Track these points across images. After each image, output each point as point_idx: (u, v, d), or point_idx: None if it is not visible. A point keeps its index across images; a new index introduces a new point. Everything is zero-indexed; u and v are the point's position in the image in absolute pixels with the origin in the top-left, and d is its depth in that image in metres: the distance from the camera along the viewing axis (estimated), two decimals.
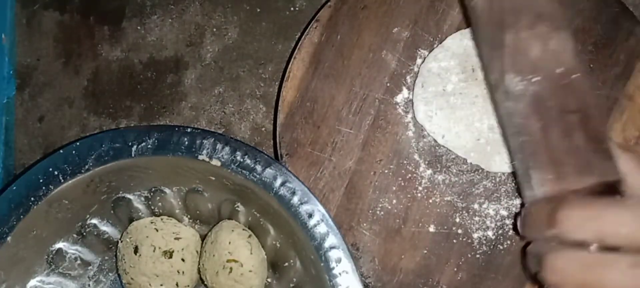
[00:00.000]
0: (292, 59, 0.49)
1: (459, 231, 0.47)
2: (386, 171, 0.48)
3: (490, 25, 0.44)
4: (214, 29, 0.56)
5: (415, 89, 0.49)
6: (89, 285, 0.49)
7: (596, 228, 0.33)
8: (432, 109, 0.48)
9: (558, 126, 0.39)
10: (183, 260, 0.45)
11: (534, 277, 0.38)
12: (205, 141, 0.42)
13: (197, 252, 0.47)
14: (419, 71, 0.49)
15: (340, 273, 0.40)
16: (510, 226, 0.47)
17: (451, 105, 0.48)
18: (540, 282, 0.36)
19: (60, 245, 0.46)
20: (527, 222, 0.39)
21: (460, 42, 0.49)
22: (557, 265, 0.34)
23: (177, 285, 0.46)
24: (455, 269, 0.46)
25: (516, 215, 0.47)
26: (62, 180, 0.42)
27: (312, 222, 0.41)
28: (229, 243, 0.44)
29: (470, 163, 0.48)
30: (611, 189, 0.37)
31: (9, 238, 0.42)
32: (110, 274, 0.49)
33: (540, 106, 0.40)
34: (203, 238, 0.47)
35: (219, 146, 0.42)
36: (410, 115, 0.48)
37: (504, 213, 0.47)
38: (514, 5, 0.42)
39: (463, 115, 0.48)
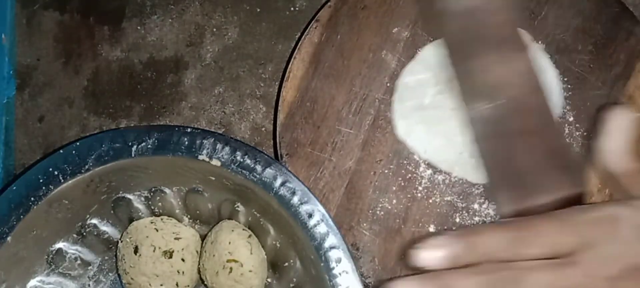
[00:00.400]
0: (292, 59, 0.49)
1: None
2: (386, 171, 0.48)
3: (451, 49, 0.45)
4: (214, 29, 0.56)
5: (393, 105, 0.48)
6: (89, 285, 0.49)
7: None
8: (411, 123, 0.48)
9: (517, 148, 0.40)
10: (183, 260, 0.45)
11: None
12: (205, 141, 0.42)
13: (197, 252, 0.47)
14: (395, 86, 0.49)
15: (340, 273, 0.40)
16: None
17: (430, 119, 0.48)
18: None
19: (60, 245, 0.46)
20: None
21: (435, 53, 0.48)
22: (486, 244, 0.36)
23: (177, 285, 0.46)
24: None
25: None
26: (62, 180, 0.43)
27: (312, 222, 0.41)
28: (229, 243, 0.44)
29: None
30: (576, 201, 0.38)
31: (9, 238, 0.42)
32: (110, 274, 0.49)
33: (498, 129, 0.41)
34: (203, 238, 0.47)
35: (219, 146, 0.42)
36: None
37: None
38: (469, 31, 0.43)
39: (442, 129, 0.48)
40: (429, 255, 0.35)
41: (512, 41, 0.42)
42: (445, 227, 0.47)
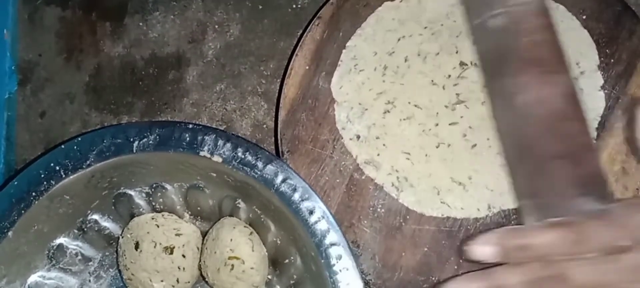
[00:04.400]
0: (294, 56, 0.49)
1: (460, 229, 0.47)
2: None
3: (486, 65, 0.46)
4: (216, 26, 0.56)
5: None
6: (89, 281, 0.49)
7: None
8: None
9: (546, 170, 0.41)
10: (184, 256, 0.45)
11: None
12: (206, 137, 0.42)
13: (198, 248, 0.47)
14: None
15: (340, 270, 0.40)
16: (513, 225, 0.47)
17: None
18: None
19: (61, 240, 0.46)
20: None
21: None
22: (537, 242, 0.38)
23: (177, 281, 0.46)
24: (456, 267, 0.46)
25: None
26: (64, 176, 0.43)
27: (312, 219, 0.41)
28: (231, 240, 0.44)
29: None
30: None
31: (10, 233, 0.42)
32: (111, 270, 0.49)
33: (527, 149, 0.42)
34: (204, 234, 0.47)
35: (220, 142, 0.42)
36: None
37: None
38: (508, 50, 0.43)
39: None
40: (482, 250, 0.38)
41: (549, 62, 0.42)
42: (446, 225, 0.47)
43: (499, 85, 0.44)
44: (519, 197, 0.43)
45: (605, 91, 0.48)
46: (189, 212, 0.48)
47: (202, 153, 0.42)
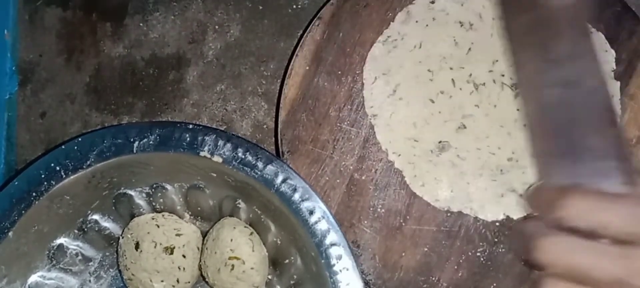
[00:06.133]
0: (294, 56, 0.49)
1: (460, 229, 0.47)
2: (387, 169, 0.48)
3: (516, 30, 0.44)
4: (216, 26, 0.56)
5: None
6: (89, 281, 0.49)
7: (598, 220, 0.35)
8: None
9: (582, 129, 0.39)
10: (184, 256, 0.45)
11: (521, 256, 0.39)
12: (206, 138, 0.42)
13: (198, 248, 0.47)
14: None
15: (340, 270, 0.40)
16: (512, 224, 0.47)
17: None
18: (527, 261, 0.36)
19: (61, 240, 0.46)
20: (534, 197, 0.40)
21: None
22: (551, 247, 0.35)
23: (177, 281, 0.46)
24: (456, 267, 0.46)
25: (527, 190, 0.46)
26: (64, 176, 0.43)
27: (313, 219, 0.41)
28: (231, 240, 0.44)
29: None
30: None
31: (10, 233, 0.42)
32: (111, 270, 0.49)
33: (568, 109, 0.40)
34: (204, 234, 0.47)
35: (220, 143, 0.42)
36: None
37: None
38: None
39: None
40: (572, 209, 0.35)
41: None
42: (446, 225, 0.47)
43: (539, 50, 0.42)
44: (542, 154, 0.42)
45: None
46: (189, 212, 0.48)
47: (202, 154, 0.42)
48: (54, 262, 0.46)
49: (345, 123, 0.48)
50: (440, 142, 0.47)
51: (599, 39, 0.48)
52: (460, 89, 0.48)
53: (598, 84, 0.40)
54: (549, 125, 0.42)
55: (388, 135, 0.48)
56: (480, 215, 0.46)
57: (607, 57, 0.48)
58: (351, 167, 0.48)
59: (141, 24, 0.56)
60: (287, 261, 0.45)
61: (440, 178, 0.47)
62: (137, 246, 0.45)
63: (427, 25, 0.49)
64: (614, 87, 0.48)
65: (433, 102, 0.48)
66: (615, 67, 0.48)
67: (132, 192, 0.46)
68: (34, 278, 0.45)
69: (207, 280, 0.46)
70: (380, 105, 0.48)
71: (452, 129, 0.47)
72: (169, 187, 0.46)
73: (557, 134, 0.41)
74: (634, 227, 0.34)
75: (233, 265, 0.44)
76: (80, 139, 0.43)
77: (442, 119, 0.47)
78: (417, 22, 0.49)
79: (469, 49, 0.48)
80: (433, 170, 0.47)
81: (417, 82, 0.48)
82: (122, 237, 0.47)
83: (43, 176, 0.42)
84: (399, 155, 0.47)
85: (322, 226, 0.41)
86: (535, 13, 0.43)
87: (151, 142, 0.43)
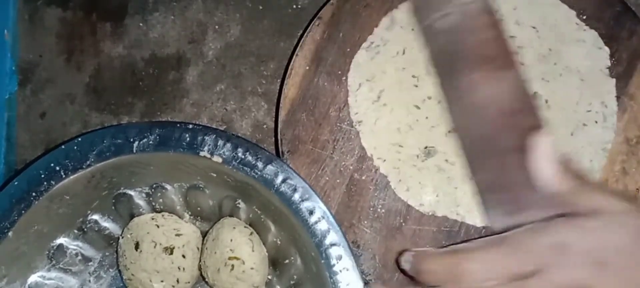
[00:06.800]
0: (294, 56, 0.49)
1: (460, 230, 0.47)
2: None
3: (438, 65, 0.47)
4: (216, 26, 0.56)
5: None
6: (89, 281, 0.49)
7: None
8: None
9: (509, 164, 0.42)
10: (184, 256, 0.45)
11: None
12: (206, 137, 0.42)
13: (198, 248, 0.47)
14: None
15: (340, 271, 0.40)
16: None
17: None
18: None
19: (61, 240, 0.46)
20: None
21: None
22: (430, 268, 0.40)
23: (177, 281, 0.46)
24: None
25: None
26: (64, 176, 0.43)
27: (313, 219, 0.41)
28: (231, 240, 0.44)
29: None
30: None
31: (10, 234, 0.42)
32: (111, 270, 0.49)
33: (483, 146, 0.43)
34: (204, 235, 0.47)
35: (220, 143, 0.42)
36: None
37: None
38: (458, 50, 0.44)
39: None
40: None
41: (497, 59, 0.43)
42: (446, 226, 0.47)
43: (451, 85, 0.45)
44: (481, 192, 0.45)
45: None
46: (189, 212, 0.48)
47: (202, 154, 0.42)
48: (54, 262, 0.46)
49: (345, 123, 0.48)
50: (426, 147, 0.47)
51: (592, 37, 0.48)
52: None
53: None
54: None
55: (373, 141, 0.48)
56: (468, 220, 0.46)
57: (601, 54, 0.48)
58: (351, 167, 0.48)
59: (141, 24, 0.56)
60: (287, 261, 0.44)
61: (425, 183, 0.47)
62: (136, 246, 0.45)
63: (412, 29, 0.49)
64: (609, 84, 0.48)
65: (418, 108, 0.47)
66: (609, 64, 0.48)
67: (131, 192, 0.46)
68: (33, 278, 0.45)
69: (206, 280, 0.46)
70: (365, 111, 0.48)
71: (441, 134, 0.47)
72: (168, 187, 0.46)
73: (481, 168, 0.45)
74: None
75: (233, 265, 0.44)
76: (80, 139, 0.43)
77: (429, 124, 0.47)
78: (401, 27, 0.49)
79: None
80: (417, 175, 0.47)
81: (401, 88, 0.48)
82: (122, 237, 0.47)
83: (43, 176, 0.42)
84: (384, 160, 0.47)
85: (322, 226, 0.41)
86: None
87: (151, 142, 0.43)
